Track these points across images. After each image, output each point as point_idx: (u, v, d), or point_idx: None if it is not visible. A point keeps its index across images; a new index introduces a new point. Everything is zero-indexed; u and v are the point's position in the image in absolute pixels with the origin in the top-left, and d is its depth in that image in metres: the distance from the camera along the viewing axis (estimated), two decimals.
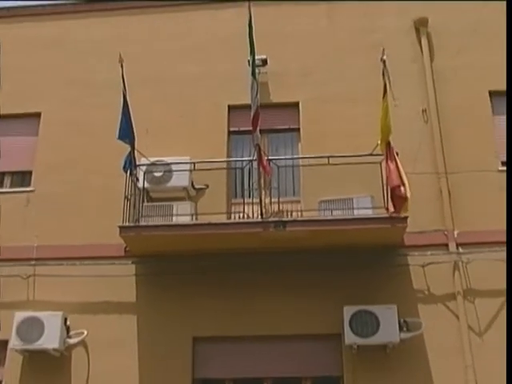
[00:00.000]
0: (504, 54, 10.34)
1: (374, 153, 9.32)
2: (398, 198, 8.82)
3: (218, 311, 9.55)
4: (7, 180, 11.13)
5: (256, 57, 9.16)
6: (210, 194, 10.20)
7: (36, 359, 9.46)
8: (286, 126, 11.01)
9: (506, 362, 7.88)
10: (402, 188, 8.72)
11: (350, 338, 8.91)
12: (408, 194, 8.69)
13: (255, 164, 9.46)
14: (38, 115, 11.32)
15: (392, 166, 8.86)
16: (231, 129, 10.96)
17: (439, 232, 9.76)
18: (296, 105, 10.97)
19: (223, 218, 9.69)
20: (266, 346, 9.44)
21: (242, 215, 9.71)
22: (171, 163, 10.04)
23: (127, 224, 9.32)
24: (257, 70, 9.32)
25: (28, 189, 10.77)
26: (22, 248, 10.14)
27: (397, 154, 9.04)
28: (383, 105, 8.97)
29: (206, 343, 9.51)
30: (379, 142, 9.15)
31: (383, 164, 9.12)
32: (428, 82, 10.72)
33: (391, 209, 8.99)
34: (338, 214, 9.42)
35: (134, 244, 9.61)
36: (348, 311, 9.03)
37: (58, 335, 9.23)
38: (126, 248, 9.83)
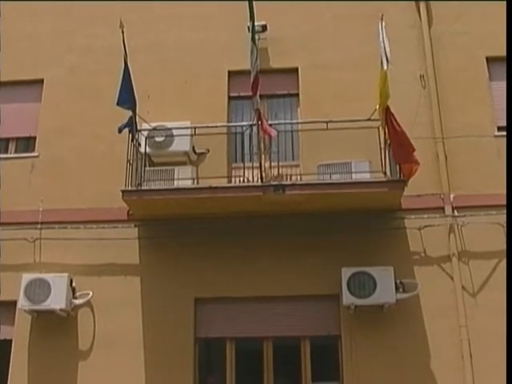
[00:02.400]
0: (502, 21, 10.35)
1: (372, 118, 9.43)
2: (410, 163, 8.96)
3: (219, 273, 9.80)
4: (12, 146, 11.28)
5: (256, 23, 9.17)
6: (211, 159, 10.35)
7: (44, 319, 9.76)
8: (285, 92, 11.11)
9: (506, 362, 8.00)
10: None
11: (347, 298, 9.16)
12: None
13: (255, 129, 9.58)
14: (40, 81, 11.41)
15: (399, 130, 8.93)
16: (231, 94, 11.05)
17: (436, 195, 9.94)
18: (295, 70, 11.04)
19: (224, 182, 9.81)
20: (267, 306, 9.71)
21: (242, 179, 9.88)
22: (172, 128, 10.13)
23: (130, 188, 9.48)
24: (256, 36, 9.34)
25: (32, 154, 10.92)
26: (28, 212, 10.37)
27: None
28: (381, 70, 9.06)
29: (207, 304, 9.78)
30: (377, 106, 9.25)
31: (386, 129, 9.12)
32: (426, 48, 10.79)
33: (406, 171, 9.05)
34: (336, 177, 9.56)
35: (137, 208, 9.82)
36: (346, 273, 9.25)
37: (64, 296, 9.51)
38: (128, 212, 10.04)
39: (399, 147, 8.93)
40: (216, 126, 10.17)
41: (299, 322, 9.62)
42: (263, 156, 9.63)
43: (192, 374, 9.46)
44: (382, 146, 9.44)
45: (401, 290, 9.28)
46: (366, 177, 9.55)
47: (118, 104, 9.60)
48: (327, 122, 9.66)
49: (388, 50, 8.84)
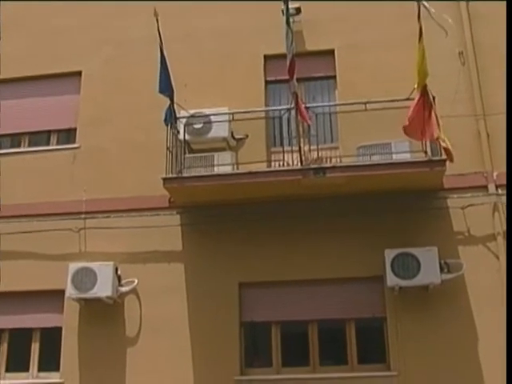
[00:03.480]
0: None
1: (411, 97, 9.29)
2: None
3: (262, 257, 9.83)
4: (53, 138, 11.46)
5: (289, 6, 9.15)
6: (250, 144, 10.36)
7: (91, 307, 9.94)
8: (322, 74, 11.04)
9: (506, 362, 7.91)
10: (441, 141, 8.72)
11: (391, 280, 9.12)
12: (448, 145, 8.70)
13: (293, 112, 9.54)
14: (78, 74, 11.55)
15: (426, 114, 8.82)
16: (268, 78, 11.01)
17: (478, 174, 9.80)
18: (331, 52, 10.95)
19: (263, 167, 9.83)
20: (310, 289, 9.72)
21: (281, 163, 9.85)
22: (210, 114, 10.15)
23: (170, 176, 9.55)
24: (291, 19, 9.27)
25: (73, 145, 11.08)
26: (72, 202, 10.57)
27: (433, 99, 9.03)
28: (419, 48, 8.93)
29: (251, 288, 9.83)
30: (416, 86, 9.13)
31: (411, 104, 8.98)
32: (464, 24, 10.59)
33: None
34: (376, 159, 9.46)
35: (178, 195, 9.90)
36: (389, 254, 9.21)
37: (110, 284, 9.67)
38: (170, 199, 10.13)
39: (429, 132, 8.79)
40: (254, 111, 10.13)
41: (343, 304, 9.62)
42: (302, 139, 9.57)
43: (238, 359, 9.53)
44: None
45: (445, 270, 9.20)
46: (407, 157, 9.43)
47: (159, 91, 9.67)
48: (365, 103, 9.55)
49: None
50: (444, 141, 8.64)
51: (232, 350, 9.54)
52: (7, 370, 10.25)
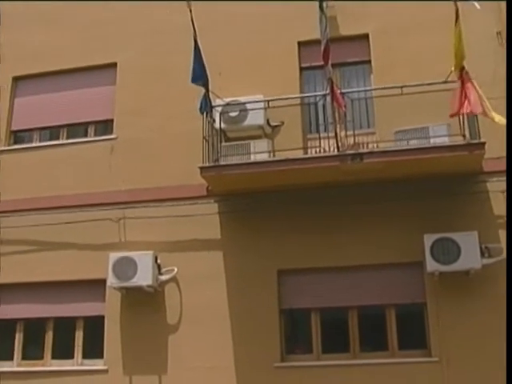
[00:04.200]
0: None
1: (449, 80, 9.19)
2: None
3: (300, 244, 9.84)
4: (91, 129, 11.60)
5: None
6: (286, 131, 10.33)
7: (132, 295, 10.09)
8: (357, 59, 10.93)
9: (506, 363, 7.72)
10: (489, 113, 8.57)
11: (431, 265, 9.05)
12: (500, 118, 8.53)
13: (328, 98, 9.49)
14: (114, 65, 11.63)
15: (470, 91, 8.67)
16: (302, 65, 10.94)
17: None
18: (366, 36, 10.83)
19: (300, 154, 9.80)
20: (349, 275, 9.72)
21: (318, 150, 9.84)
22: (246, 102, 10.15)
23: (207, 164, 9.59)
24: (324, 4, 9.23)
25: (111, 136, 11.20)
26: (111, 193, 10.72)
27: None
28: (456, 30, 8.78)
29: (290, 275, 9.86)
30: (453, 68, 9.01)
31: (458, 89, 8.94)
32: (502, 4, 10.38)
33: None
34: (414, 143, 9.35)
35: (215, 183, 9.94)
36: (428, 239, 9.14)
37: (150, 273, 9.80)
38: (207, 187, 10.18)
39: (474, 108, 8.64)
40: (289, 98, 10.08)
41: (383, 290, 9.58)
42: (338, 125, 9.53)
43: (279, 346, 9.59)
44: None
45: (486, 254, 9.08)
46: (445, 141, 9.31)
47: (192, 81, 9.71)
48: (402, 87, 9.44)
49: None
50: (492, 114, 8.51)
51: (272, 337, 9.59)
52: (53, 357, 10.48)
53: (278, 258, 9.88)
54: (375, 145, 9.82)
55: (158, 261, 10.04)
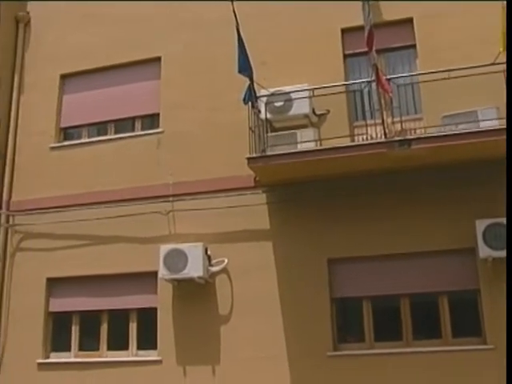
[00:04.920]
0: None
1: (496, 61, 8.99)
2: None
3: (350, 232, 9.81)
4: (138, 124, 11.71)
5: None
6: (332, 119, 10.27)
7: (184, 287, 10.22)
8: (402, 44, 10.75)
9: (506, 362, 7.45)
10: None
11: (484, 251, 8.93)
12: None
13: (374, 85, 9.42)
14: (158, 59, 11.73)
15: None
16: (346, 52, 10.84)
17: None
18: (410, 21, 10.63)
19: (347, 142, 9.70)
20: (400, 263, 9.64)
21: (365, 137, 9.75)
22: (290, 92, 10.11)
23: (254, 155, 9.60)
24: None
25: (157, 130, 11.31)
26: (159, 186, 10.85)
27: None
28: (503, 10, 8.58)
29: (340, 264, 9.84)
30: (501, 49, 8.81)
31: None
32: None
33: None
34: (462, 127, 9.19)
35: (263, 174, 9.95)
36: (480, 225, 9.01)
37: (200, 264, 9.89)
38: (255, 178, 10.20)
39: None
40: (334, 86, 10.01)
41: (435, 277, 9.47)
42: (385, 112, 9.44)
43: (331, 335, 9.58)
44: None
45: None
46: (495, 124, 9.12)
47: (238, 72, 9.72)
48: (448, 71, 9.27)
49: None
50: None
51: (324, 326, 9.59)
52: (109, 349, 10.70)
53: (327, 247, 9.86)
54: (423, 130, 9.68)
55: (208, 252, 10.14)
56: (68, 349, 10.92)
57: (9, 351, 11.07)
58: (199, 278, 9.94)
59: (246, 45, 9.64)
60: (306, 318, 9.66)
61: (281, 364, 9.61)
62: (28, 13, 12.94)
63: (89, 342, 10.89)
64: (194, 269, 9.88)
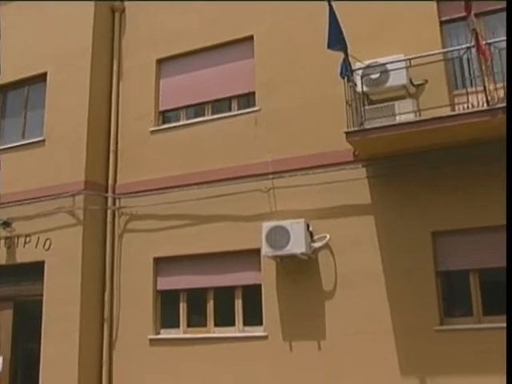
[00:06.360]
0: None
1: None
2: None
3: (454, 204, 9.56)
4: (234, 104, 11.84)
5: None
6: (430, 89, 9.97)
7: (287, 263, 10.33)
8: (502, 6, 10.28)
9: (506, 362, 7.14)
10: None
11: None
12: None
13: (473, 51, 9.08)
14: (250, 38, 11.76)
15: None
16: (442, 18, 10.44)
17: None
18: None
19: (447, 111, 9.39)
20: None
21: (466, 106, 9.42)
22: (386, 63, 9.89)
23: (352, 129, 9.51)
24: None
25: (254, 109, 11.38)
26: (258, 164, 10.97)
27: None
28: None
29: (445, 237, 9.61)
30: None
31: None
32: None
33: None
34: None
35: (362, 147, 9.86)
36: None
37: (303, 240, 9.94)
38: (354, 152, 10.13)
39: None
40: (431, 54, 9.73)
41: None
42: (486, 78, 9.06)
43: (437, 309, 9.42)
44: None
45: None
46: None
47: (328, 47, 9.65)
48: None
49: None
50: None
51: (430, 300, 9.44)
52: (216, 325, 10.99)
53: (430, 220, 9.67)
54: None
55: (310, 228, 10.18)
56: (177, 325, 11.31)
57: (122, 328, 11.60)
58: (302, 254, 10.00)
59: (339, 18, 9.53)
60: (411, 292, 9.53)
61: (387, 338, 9.56)
62: (123, 2, 13.32)
63: (196, 319, 11.25)
64: (297, 245, 9.94)
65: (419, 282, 9.54)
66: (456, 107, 9.73)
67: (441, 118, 9.03)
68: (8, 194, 12.50)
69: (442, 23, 10.50)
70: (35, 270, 11.97)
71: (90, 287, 11.62)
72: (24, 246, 12.27)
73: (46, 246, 11.99)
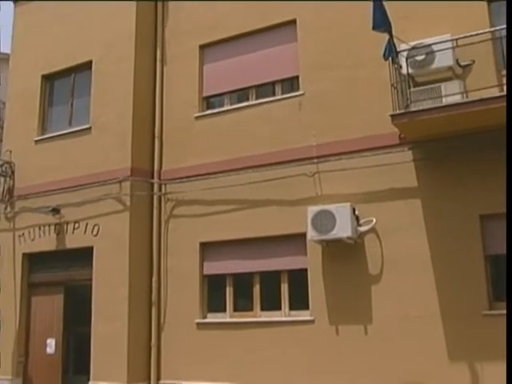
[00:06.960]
0: None
1: None
2: None
3: (502, 187, 9.31)
4: (278, 88, 11.81)
5: None
6: (478, 69, 9.77)
7: (333, 247, 10.32)
8: None
9: (506, 362, 7.01)
10: None
11: None
12: None
13: None
14: (293, 22, 11.69)
15: None
16: None
17: None
18: None
19: (495, 92, 9.19)
20: None
21: None
22: (432, 44, 9.71)
23: (398, 112, 9.40)
24: None
25: (298, 93, 11.33)
26: (303, 148, 10.95)
27: None
28: None
29: (493, 220, 9.43)
30: None
31: None
32: None
33: None
34: None
35: (408, 130, 9.74)
36: None
37: (349, 224, 9.90)
38: (400, 135, 10.03)
39: None
40: (478, 34, 9.50)
41: None
42: None
43: (485, 293, 9.28)
44: None
45: None
46: None
47: (373, 28, 9.52)
48: None
49: None
50: None
51: (478, 284, 9.32)
52: (262, 309, 11.07)
53: (479, 203, 9.52)
54: None
55: (356, 212, 10.13)
56: (223, 309, 11.44)
57: (169, 312, 11.78)
58: (348, 238, 9.97)
59: None
60: (459, 276, 9.43)
61: (434, 323, 9.49)
62: None
63: (242, 303, 11.34)
64: (343, 229, 9.91)
65: (467, 266, 9.43)
66: (504, 88, 9.54)
67: (489, 98, 8.84)
68: (56, 182, 12.83)
69: (490, 1, 10.23)
70: (84, 256, 12.24)
71: (137, 271, 11.82)
72: (73, 232, 12.55)
73: (95, 232, 12.23)
